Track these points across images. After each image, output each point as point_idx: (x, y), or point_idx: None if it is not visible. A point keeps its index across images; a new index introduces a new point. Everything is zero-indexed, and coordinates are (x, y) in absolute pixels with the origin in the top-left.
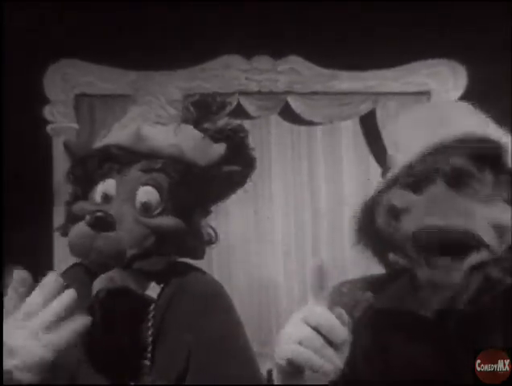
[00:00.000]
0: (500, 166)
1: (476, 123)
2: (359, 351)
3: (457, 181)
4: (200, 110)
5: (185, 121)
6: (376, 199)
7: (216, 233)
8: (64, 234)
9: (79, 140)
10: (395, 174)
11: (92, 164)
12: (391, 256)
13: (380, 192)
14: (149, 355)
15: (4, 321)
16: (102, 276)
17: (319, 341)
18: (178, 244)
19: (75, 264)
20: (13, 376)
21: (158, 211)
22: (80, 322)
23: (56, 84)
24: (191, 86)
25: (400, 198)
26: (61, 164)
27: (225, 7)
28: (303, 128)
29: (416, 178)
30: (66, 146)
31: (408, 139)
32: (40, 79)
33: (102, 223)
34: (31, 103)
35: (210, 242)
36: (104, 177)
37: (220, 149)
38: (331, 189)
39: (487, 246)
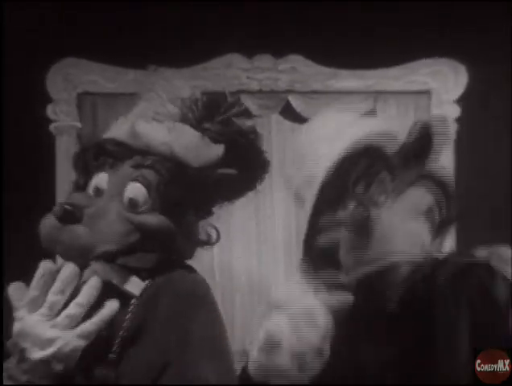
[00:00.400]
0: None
1: (366, 127)
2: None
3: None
4: (205, 109)
5: (184, 119)
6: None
7: (218, 234)
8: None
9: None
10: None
11: (89, 156)
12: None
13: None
14: (116, 349)
15: (31, 313)
16: (88, 268)
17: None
18: (164, 242)
19: None
20: (51, 366)
21: (144, 207)
22: (110, 308)
23: (59, 82)
24: (193, 85)
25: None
26: (64, 162)
27: (225, 6)
28: (303, 126)
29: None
30: (79, 136)
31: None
32: (43, 78)
33: (68, 216)
34: (34, 102)
35: (208, 242)
36: (98, 170)
37: (218, 150)
38: None
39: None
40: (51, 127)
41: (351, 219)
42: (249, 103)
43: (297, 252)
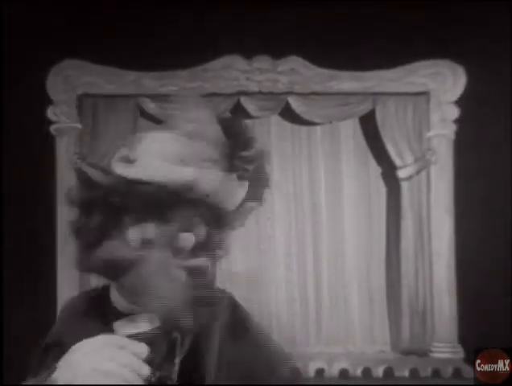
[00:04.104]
0: None
1: None
2: None
3: None
4: (230, 147)
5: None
6: None
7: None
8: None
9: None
10: None
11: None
12: None
13: None
14: None
15: None
16: None
17: None
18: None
19: None
20: None
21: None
22: None
23: (59, 84)
24: (192, 86)
25: None
26: (64, 163)
27: (225, 8)
28: (303, 128)
29: None
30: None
31: None
32: (43, 80)
33: None
34: (34, 103)
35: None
36: (143, 219)
37: (245, 188)
38: (330, 187)
39: None
40: (52, 128)
41: None
42: (248, 104)
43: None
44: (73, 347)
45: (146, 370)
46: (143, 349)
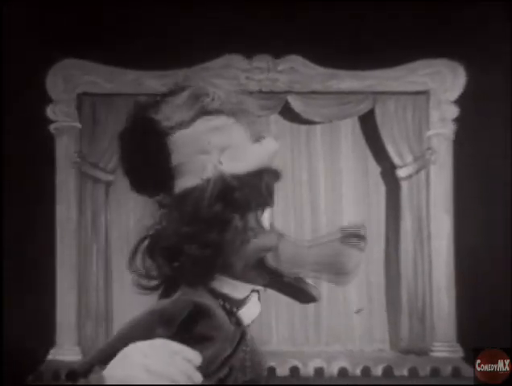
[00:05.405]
0: None
1: None
2: None
3: None
4: None
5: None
6: None
7: None
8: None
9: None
10: None
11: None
12: None
13: None
14: None
15: None
16: None
17: None
18: None
19: None
20: None
21: None
22: None
23: (58, 83)
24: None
25: None
26: (63, 162)
27: (225, 7)
28: (302, 127)
29: None
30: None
31: None
32: (42, 79)
33: None
34: (34, 102)
35: None
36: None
37: None
38: (330, 186)
39: None
40: (51, 127)
41: None
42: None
43: None
44: (127, 348)
45: (198, 377)
46: (197, 356)
